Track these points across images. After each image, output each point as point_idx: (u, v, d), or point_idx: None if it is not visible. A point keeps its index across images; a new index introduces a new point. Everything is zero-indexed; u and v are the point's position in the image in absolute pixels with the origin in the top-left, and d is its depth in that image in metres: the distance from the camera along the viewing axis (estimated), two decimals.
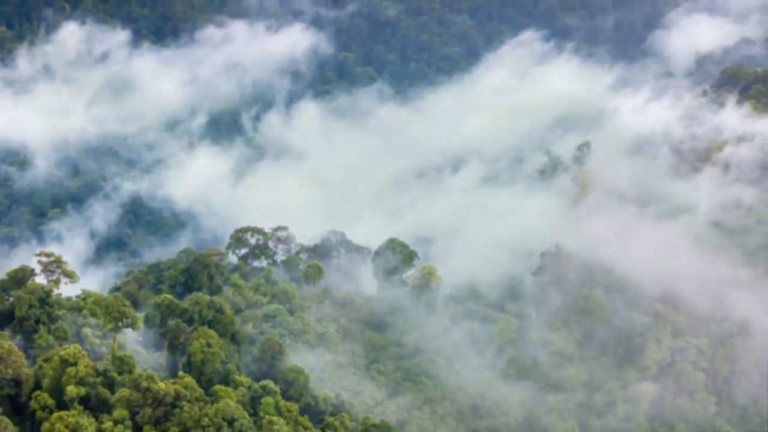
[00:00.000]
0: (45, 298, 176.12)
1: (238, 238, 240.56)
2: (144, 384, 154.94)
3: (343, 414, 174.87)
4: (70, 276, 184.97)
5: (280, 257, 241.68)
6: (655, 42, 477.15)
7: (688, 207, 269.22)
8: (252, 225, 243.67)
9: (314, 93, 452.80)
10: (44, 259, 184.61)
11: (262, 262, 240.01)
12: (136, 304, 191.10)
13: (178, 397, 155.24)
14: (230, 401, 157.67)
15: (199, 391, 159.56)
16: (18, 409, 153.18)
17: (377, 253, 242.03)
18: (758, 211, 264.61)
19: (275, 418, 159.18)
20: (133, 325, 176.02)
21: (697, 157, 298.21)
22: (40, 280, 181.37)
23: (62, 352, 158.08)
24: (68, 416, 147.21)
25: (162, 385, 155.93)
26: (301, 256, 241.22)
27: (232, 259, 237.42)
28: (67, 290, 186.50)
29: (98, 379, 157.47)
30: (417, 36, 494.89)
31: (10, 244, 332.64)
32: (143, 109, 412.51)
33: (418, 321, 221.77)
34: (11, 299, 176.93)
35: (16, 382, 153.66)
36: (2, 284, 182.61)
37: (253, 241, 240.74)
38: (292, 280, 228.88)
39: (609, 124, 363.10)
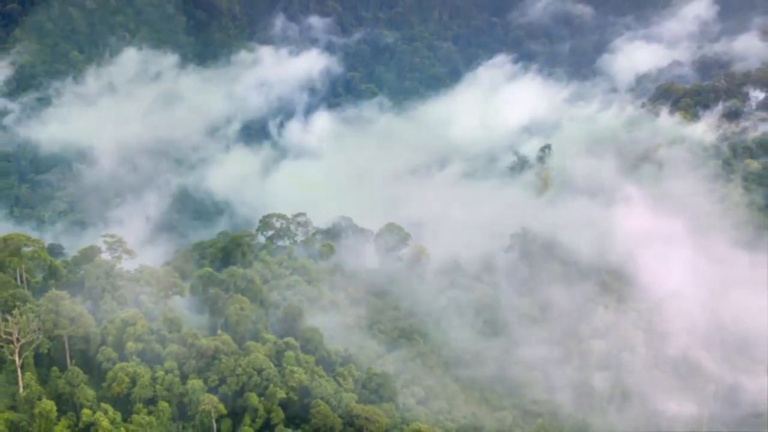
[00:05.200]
0: (109, 271, 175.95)
1: (266, 222, 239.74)
2: (189, 340, 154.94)
3: (351, 365, 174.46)
4: (130, 253, 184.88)
5: (299, 238, 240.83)
6: (602, 64, 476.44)
7: (630, 197, 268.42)
8: (277, 212, 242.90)
9: (327, 105, 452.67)
10: (108, 239, 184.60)
11: (285, 242, 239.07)
12: (183, 276, 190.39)
13: (217, 351, 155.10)
14: (259, 354, 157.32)
15: (234, 346, 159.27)
16: (88, 361, 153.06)
17: (378, 235, 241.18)
18: (686, 200, 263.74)
19: (296, 368, 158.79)
20: (180, 293, 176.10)
21: (637, 156, 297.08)
22: (105, 256, 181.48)
23: (123, 315, 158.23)
24: (128, 367, 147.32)
25: (204, 341, 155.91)
26: (317, 237, 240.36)
27: (261, 239, 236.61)
28: (127, 265, 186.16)
29: (152, 337, 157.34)
30: (410, 59, 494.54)
31: (80, 228, 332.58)
32: (189, 118, 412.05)
33: (411, 290, 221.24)
34: (82, 272, 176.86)
35: (86, 340, 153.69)
36: (75, 260, 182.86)
37: (277, 224, 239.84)
38: (309, 257, 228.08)
39: (566, 130, 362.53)
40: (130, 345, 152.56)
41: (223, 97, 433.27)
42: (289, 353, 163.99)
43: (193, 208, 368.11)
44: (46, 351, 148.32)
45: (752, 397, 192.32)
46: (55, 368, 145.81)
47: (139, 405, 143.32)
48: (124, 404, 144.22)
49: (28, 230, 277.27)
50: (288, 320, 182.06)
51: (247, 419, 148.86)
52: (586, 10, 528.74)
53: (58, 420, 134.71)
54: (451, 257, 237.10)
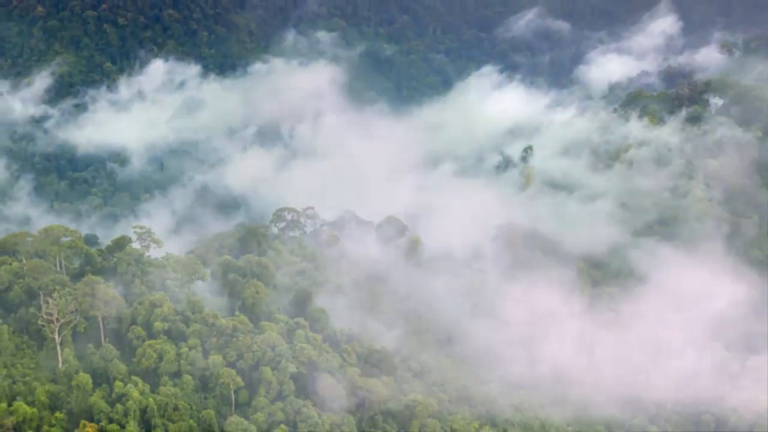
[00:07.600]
0: (139, 259, 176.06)
1: (278, 215, 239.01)
2: (210, 320, 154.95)
3: (354, 342, 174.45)
4: (157, 243, 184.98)
5: (308, 229, 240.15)
6: (579, 74, 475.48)
7: (603, 193, 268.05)
8: (288, 206, 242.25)
9: (333, 111, 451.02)
10: (138, 230, 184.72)
11: (296, 233, 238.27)
12: (204, 263, 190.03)
13: (235, 329, 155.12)
14: (273, 333, 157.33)
15: (250, 325, 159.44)
16: (119, 339, 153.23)
17: (378, 226, 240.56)
18: (653, 195, 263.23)
19: (305, 345, 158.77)
20: (202, 278, 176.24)
21: (609, 156, 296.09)
22: (136, 245, 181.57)
23: (151, 298, 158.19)
24: (156, 344, 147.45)
25: (223, 321, 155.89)
26: (324, 228, 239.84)
27: (274, 230, 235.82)
28: (154, 253, 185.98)
29: (177, 317, 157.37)
30: (407, 69, 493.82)
31: (113, 220, 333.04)
32: (210, 122, 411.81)
33: (408, 275, 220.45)
34: (115, 259, 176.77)
35: (118, 320, 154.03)
36: (108, 249, 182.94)
37: (289, 217, 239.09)
38: (317, 246, 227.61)
39: (546, 133, 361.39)
40: (158, 324, 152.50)
41: (241, 103, 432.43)
42: (300, 332, 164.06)
43: (213, 202, 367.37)
44: (82, 330, 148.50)
45: (714, 374, 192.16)
46: (90, 345, 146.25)
47: (166, 378, 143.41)
48: (152, 377, 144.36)
49: (66, 222, 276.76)
50: (298, 302, 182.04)
51: (261, 390, 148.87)
52: (564, 26, 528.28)
53: (93, 391, 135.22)
54: (443, 246, 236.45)
